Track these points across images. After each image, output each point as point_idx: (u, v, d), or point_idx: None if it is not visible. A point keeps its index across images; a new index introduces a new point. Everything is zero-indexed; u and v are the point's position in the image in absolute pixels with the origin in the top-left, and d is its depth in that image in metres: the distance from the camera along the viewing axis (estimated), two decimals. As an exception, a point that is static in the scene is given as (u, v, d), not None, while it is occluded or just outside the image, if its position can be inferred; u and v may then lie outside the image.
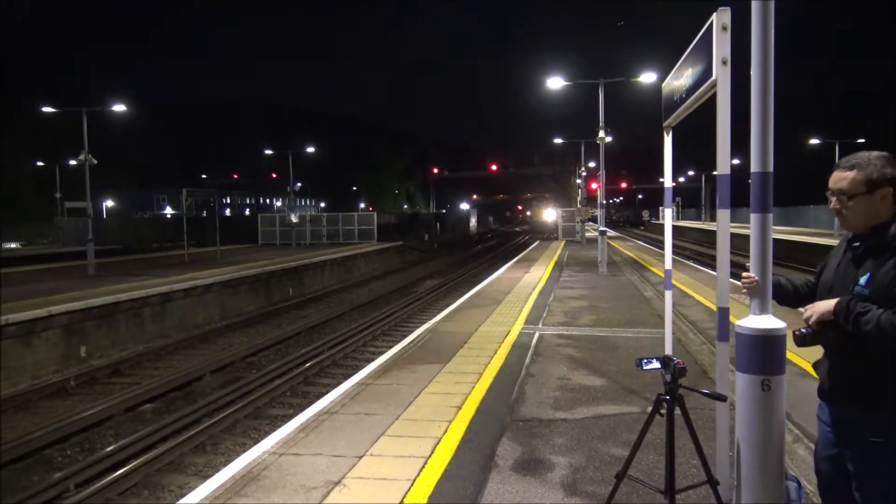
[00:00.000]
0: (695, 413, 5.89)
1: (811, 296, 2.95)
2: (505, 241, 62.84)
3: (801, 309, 2.82)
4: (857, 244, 2.73)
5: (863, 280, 2.61)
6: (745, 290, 3.01)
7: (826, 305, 2.63)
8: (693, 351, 8.94)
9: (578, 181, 43.15)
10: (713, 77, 3.83)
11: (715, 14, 3.81)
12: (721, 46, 3.77)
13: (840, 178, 2.71)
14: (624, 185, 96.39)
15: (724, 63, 3.76)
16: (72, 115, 23.84)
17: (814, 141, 40.61)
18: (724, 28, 3.77)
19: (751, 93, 3.02)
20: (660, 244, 38.10)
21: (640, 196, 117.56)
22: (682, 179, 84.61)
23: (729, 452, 3.77)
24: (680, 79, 4.96)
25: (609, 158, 22.15)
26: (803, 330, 2.69)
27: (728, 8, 3.78)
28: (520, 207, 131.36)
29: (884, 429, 2.56)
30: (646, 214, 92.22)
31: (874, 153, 2.69)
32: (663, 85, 5.84)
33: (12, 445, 8.30)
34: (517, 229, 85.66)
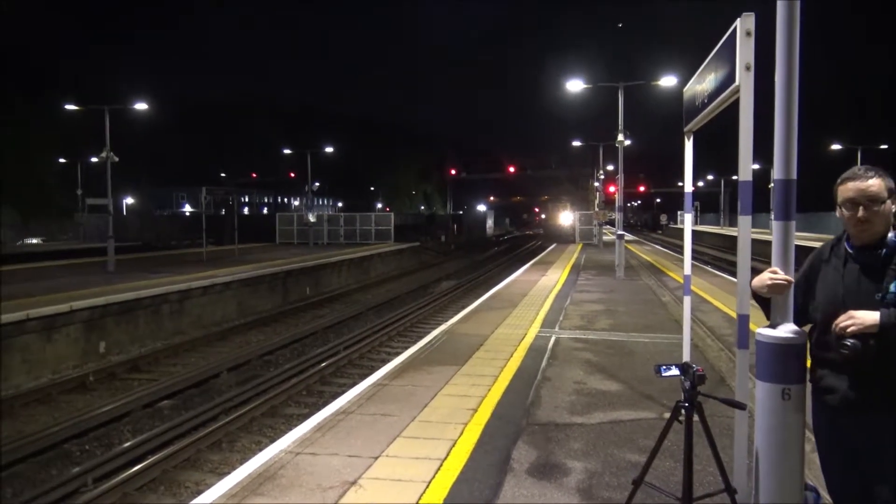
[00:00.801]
0: (712, 420, 5.82)
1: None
2: (522, 243, 62.76)
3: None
4: (869, 252, 2.71)
5: (893, 287, 2.59)
6: (766, 288, 2.94)
7: (871, 317, 2.55)
8: (711, 357, 8.89)
9: (596, 184, 42.98)
10: (736, 82, 3.80)
11: (739, 19, 3.79)
12: (745, 52, 3.75)
13: (867, 185, 2.70)
14: (642, 188, 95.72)
15: (748, 68, 3.74)
16: (94, 112, 24.09)
17: (835, 147, 40.23)
18: (748, 33, 3.75)
19: (774, 99, 3.01)
20: (678, 249, 37.85)
21: (657, 200, 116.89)
22: (700, 184, 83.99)
23: (747, 461, 3.75)
24: (702, 83, 4.93)
25: (627, 162, 22.05)
26: (852, 342, 2.59)
27: (752, 13, 3.76)
28: (537, 210, 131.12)
29: None
30: (664, 218, 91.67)
31: (868, 166, 2.78)
32: (685, 89, 5.82)
33: (33, 439, 8.41)
34: (529, 232, 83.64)
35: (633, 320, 12.05)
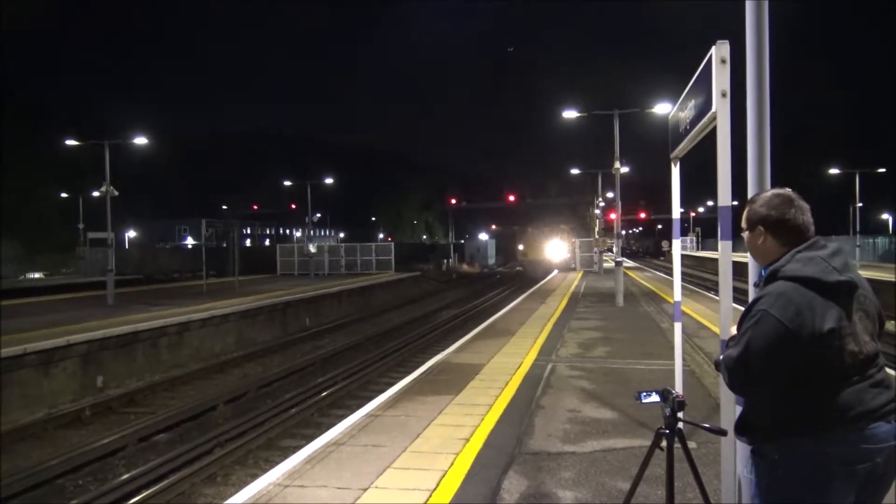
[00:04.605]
0: (706, 448, 5.82)
1: None
2: (522, 271, 62.48)
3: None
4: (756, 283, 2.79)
5: None
6: None
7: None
8: (708, 384, 8.82)
9: (596, 212, 43.08)
10: (713, 109, 3.84)
11: (714, 47, 3.84)
12: (720, 79, 3.79)
13: None
14: (643, 215, 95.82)
15: (724, 95, 3.78)
16: (95, 146, 24.30)
17: (833, 171, 40.37)
18: (723, 61, 3.79)
19: (747, 126, 3.05)
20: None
21: (659, 226, 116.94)
22: (701, 210, 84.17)
23: (734, 486, 3.71)
24: (684, 110, 4.98)
25: (627, 188, 22.23)
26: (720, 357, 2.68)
27: (727, 41, 3.81)
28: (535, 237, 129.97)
29: (752, 461, 2.55)
30: (665, 245, 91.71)
31: (770, 192, 2.69)
32: (669, 116, 5.87)
33: (27, 474, 8.36)
34: (518, 269, 60.93)
35: (631, 347, 12.00)
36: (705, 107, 4.07)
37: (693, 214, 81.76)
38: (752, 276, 3.05)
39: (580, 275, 37.80)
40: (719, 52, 3.81)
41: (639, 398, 3.37)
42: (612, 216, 34.42)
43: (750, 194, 3.02)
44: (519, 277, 49.65)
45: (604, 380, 9.17)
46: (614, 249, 24.69)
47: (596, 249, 40.21)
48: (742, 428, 2.59)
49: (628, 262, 56.07)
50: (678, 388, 5.70)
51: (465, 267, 65.22)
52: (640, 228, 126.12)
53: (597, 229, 39.70)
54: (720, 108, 3.78)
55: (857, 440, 2.36)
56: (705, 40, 3.93)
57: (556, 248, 53.80)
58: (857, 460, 2.36)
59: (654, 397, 3.30)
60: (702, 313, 16.45)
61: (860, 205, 40.27)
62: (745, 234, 2.70)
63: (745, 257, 3.16)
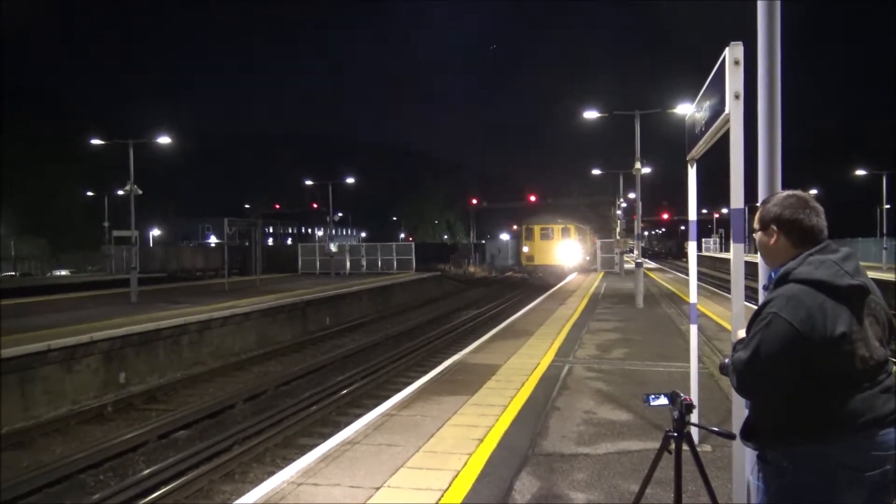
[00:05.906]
0: (720, 451, 5.78)
1: None
2: (543, 271, 62.04)
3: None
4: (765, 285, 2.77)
5: None
6: None
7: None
8: (725, 387, 8.73)
9: (618, 212, 42.85)
10: (726, 111, 3.82)
11: (727, 48, 3.82)
12: (734, 81, 3.77)
13: None
14: (666, 216, 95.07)
15: (737, 97, 3.75)
16: (120, 146, 24.61)
17: (860, 172, 39.77)
18: (737, 62, 3.77)
19: (758, 129, 3.03)
20: (701, 276, 37.19)
21: (682, 227, 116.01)
22: (724, 210, 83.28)
23: (746, 490, 3.69)
24: (700, 112, 4.96)
25: (650, 189, 22.16)
26: (726, 361, 2.70)
27: (740, 42, 3.78)
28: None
29: (758, 466, 2.54)
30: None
31: (784, 192, 2.66)
32: (686, 117, 5.84)
33: (48, 469, 8.50)
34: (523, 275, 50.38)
35: (650, 349, 11.93)
36: (719, 108, 4.06)
37: (717, 216, 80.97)
38: (761, 278, 3.03)
39: (601, 276, 37.61)
40: (733, 53, 3.79)
41: (647, 401, 3.35)
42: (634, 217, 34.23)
43: (760, 196, 3.00)
44: (536, 280, 48.16)
45: (621, 382, 9.13)
46: (635, 251, 24.55)
47: (617, 250, 39.98)
48: (748, 432, 2.57)
49: (650, 264, 55.71)
50: (693, 391, 5.67)
51: (476, 270, 61.82)
52: (664, 230, 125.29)
53: (618, 230, 39.50)
54: (733, 109, 3.76)
55: (867, 447, 2.34)
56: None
57: (570, 250, 46.01)
58: (867, 467, 2.34)
59: (663, 400, 3.29)
60: (723, 316, 16.30)
61: (888, 206, 39.62)
62: (758, 235, 2.67)
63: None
